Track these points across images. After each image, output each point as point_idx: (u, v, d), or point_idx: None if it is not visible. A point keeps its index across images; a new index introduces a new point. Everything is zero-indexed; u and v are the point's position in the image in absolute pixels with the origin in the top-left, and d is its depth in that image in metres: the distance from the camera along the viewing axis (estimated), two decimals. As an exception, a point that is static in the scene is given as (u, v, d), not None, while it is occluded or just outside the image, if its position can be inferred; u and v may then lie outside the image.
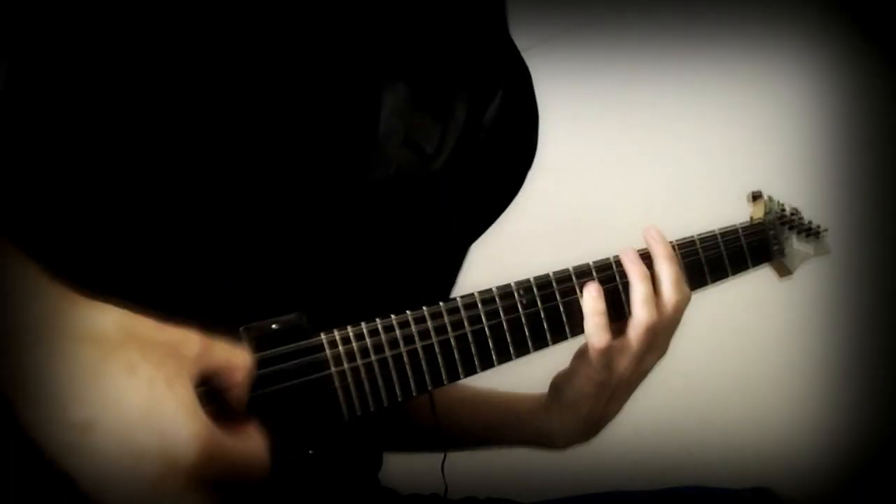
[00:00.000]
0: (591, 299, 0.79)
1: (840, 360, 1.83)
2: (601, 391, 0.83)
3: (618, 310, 0.81)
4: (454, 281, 0.87)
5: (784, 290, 1.73)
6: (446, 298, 0.73)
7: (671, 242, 0.86)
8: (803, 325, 1.83)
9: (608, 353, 0.80)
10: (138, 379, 0.51)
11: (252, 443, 0.55)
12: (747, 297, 1.72)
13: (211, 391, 0.56)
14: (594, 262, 0.81)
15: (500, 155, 0.83)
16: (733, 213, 0.97)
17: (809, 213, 1.06)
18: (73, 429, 0.50)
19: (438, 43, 0.79)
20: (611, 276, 0.81)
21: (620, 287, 0.81)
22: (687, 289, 0.84)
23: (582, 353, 0.82)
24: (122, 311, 0.53)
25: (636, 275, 0.81)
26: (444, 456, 0.86)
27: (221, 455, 0.52)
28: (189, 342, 0.54)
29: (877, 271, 1.83)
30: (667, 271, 0.82)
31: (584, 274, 0.80)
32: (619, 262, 0.82)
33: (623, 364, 0.81)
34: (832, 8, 1.78)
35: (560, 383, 0.86)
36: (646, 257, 0.83)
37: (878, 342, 1.83)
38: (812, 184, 1.72)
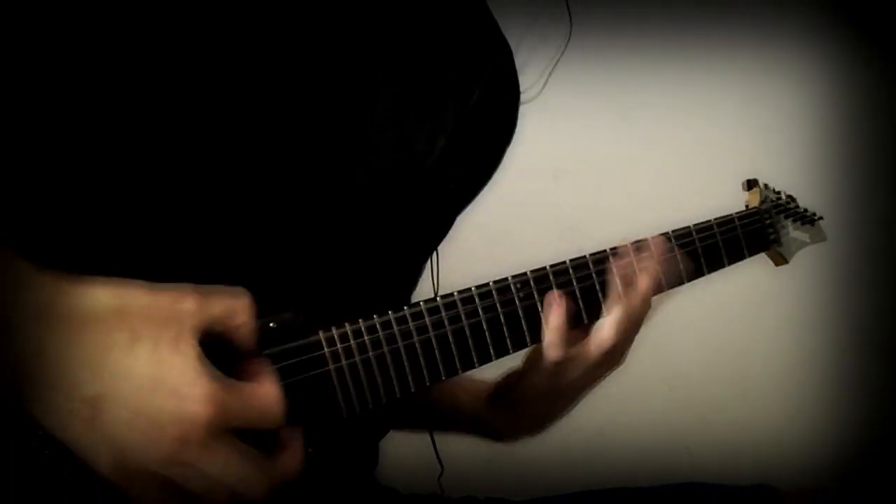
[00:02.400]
0: (553, 314, 0.75)
1: (839, 357, 1.83)
2: (546, 396, 0.82)
3: (578, 316, 0.78)
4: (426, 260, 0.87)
5: (783, 288, 1.73)
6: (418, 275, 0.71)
7: (668, 232, 0.86)
8: (802, 322, 1.83)
9: (561, 365, 0.77)
10: (142, 348, 0.53)
11: (263, 385, 0.58)
12: (747, 294, 1.72)
13: (218, 339, 0.57)
14: (591, 255, 0.79)
15: (485, 135, 0.84)
16: (733, 206, 0.97)
17: (807, 205, 1.05)
18: (86, 404, 0.52)
19: (428, 42, 0.79)
20: (587, 276, 0.78)
21: (597, 286, 0.78)
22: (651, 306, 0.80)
23: (533, 361, 0.80)
24: (114, 285, 0.55)
25: (617, 301, 0.78)
26: (441, 472, 0.86)
27: (235, 404, 0.55)
28: (185, 298, 0.56)
29: (876, 269, 1.83)
30: (644, 289, 0.79)
31: (581, 267, 0.78)
32: (597, 262, 0.79)
33: (574, 374, 0.78)
34: (830, 1, 1.78)
35: (506, 385, 0.86)
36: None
37: (878, 339, 1.82)
38: (811, 176, 1.72)
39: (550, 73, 0.87)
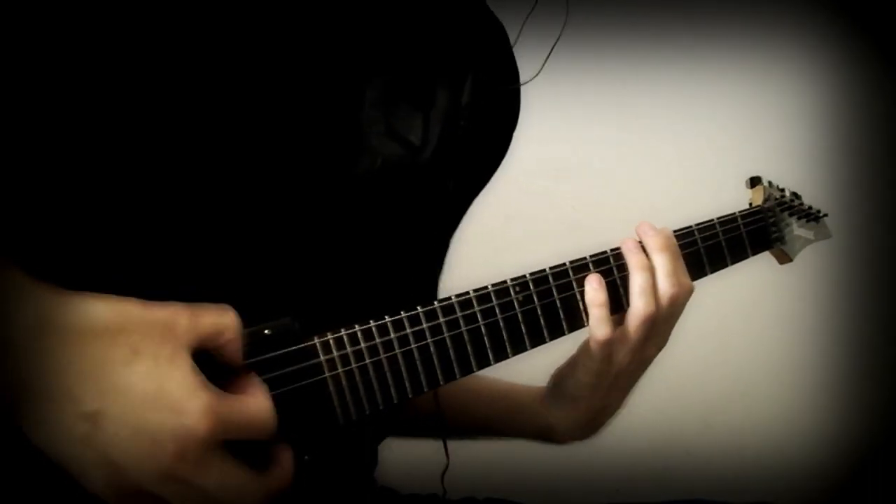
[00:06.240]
0: (593, 290, 0.78)
1: (841, 359, 1.82)
2: (601, 382, 0.83)
3: (617, 302, 0.80)
4: (442, 264, 0.86)
5: (784, 288, 1.72)
6: (436, 282, 0.72)
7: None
8: (805, 327, 1.82)
9: (609, 345, 0.79)
10: (142, 363, 0.53)
11: (255, 397, 0.58)
12: (748, 298, 1.71)
13: (204, 355, 0.58)
14: (591, 256, 0.80)
15: (483, 132, 0.83)
16: (736, 204, 0.96)
17: (812, 202, 1.04)
18: (85, 420, 0.52)
19: (416, 32, 0.78)
20: (608, 270, 0.80)
21: (618, 280, 0.81)
22: (686, 280, 0.83)
23: (584, 347, 0.82)
24: (111, 298, 0.55)
25: (635, 265, 0.80)
26: (446, 467, 0.85)
27: (230, 417, 0.55)
28: (178, 316, 0.56)
29: (880, 268, 1.82)
30: (660, 262, 0.81)
31: (581, 268, 0.79)
32: (616, 256, 0.81)
33: (622, 355, 0.80)
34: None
35: (561, 375, 0.86)
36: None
37: (881, 339, 1.82)
38: (813, 174, 1.72)
39: (548, 57, 0.86)
